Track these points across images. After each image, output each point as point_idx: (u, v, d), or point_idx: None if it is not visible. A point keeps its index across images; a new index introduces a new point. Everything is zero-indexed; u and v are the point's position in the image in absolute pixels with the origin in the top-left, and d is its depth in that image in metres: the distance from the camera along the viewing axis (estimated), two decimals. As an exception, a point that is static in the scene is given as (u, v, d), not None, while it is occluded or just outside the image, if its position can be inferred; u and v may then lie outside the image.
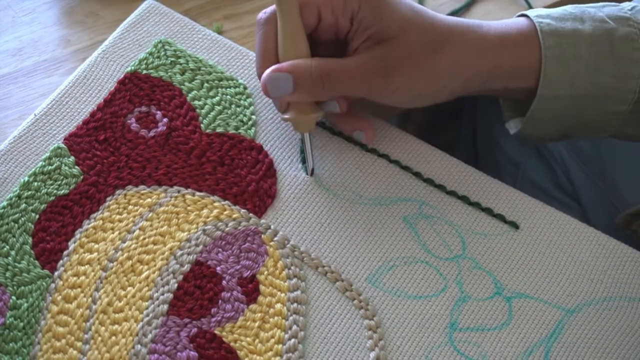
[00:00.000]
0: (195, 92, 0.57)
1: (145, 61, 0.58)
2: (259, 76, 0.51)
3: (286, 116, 0.52)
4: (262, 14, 0.51)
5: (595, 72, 0.50)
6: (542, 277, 0.51)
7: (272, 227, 0.52)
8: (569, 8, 0.52)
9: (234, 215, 0.52)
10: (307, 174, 0.54)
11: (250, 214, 0.52)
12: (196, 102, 0.56)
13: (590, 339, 0.49)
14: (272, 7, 0.51)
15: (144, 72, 0.57)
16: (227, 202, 0.53)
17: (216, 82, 0.57)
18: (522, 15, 0.53)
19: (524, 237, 0.52)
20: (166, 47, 0.59)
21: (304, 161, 0.54)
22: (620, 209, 0.63)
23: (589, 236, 0.53)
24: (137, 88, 0.57)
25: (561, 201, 0.66)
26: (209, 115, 0.56)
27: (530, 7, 0.71)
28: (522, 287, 0.50)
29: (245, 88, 0.57)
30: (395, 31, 0.49)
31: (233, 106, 0.56)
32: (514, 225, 0.53)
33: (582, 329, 0.49)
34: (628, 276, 0.51)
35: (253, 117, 0.56)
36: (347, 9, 0.49)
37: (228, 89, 0.57)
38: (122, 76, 0.57)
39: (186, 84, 0.57)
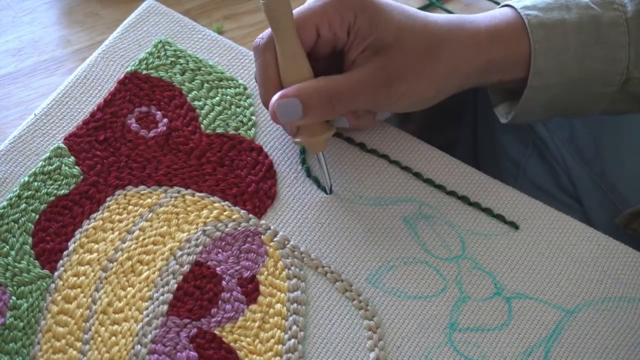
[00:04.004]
0: (195, 92, 0.57)
1: (145, 61, 0.58)
2: (265, 104, 0.51)
3: (297, 139, 0.51)
4: (259, 40, 0.50)
5: (583, 59, 0.51)
6: (542, 278, 0.51)
7: (271, 227, 0.52)
8: None
9: (234, 216, 0.52)
10: (326, 193, 0.53)
11: (250, 215, 0.52)
12: (196, 103, 0.56)
13: (590, 340, 0.49)
14: (268, 32, 0.50)
15: (144, 72, 0.57)
16: (227, 203, 0.52)
17: (216, 82, 0.57)
18: (508, 5, 0.53)
19: (523, 237, 0.52)
20: (166, 47, 0.59)
21: (317, 181, 0.54)
22: (621, 209, 0.63)
23: (589, 236, 0.53)
24: (137, 88, 0.57)
25: (562, 201, 0.66)
26: (209, 116, 0.56)
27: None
28: (521, 288, 0.50)
29: (245, 88, 0.57)
30: (392, 39, 0.49)
31: (233, 107, 0.57)
32: (514, 226, 0.53)
33: (581, 330, 0.49)
34: (628, 276, 0.51)
35: (253, 117, 0.56)
36: (344, 22, 0.49)
37: (228, 89, 0.57)
38: (122, 76, 0.57)
39: (186, 84, 0.57)
